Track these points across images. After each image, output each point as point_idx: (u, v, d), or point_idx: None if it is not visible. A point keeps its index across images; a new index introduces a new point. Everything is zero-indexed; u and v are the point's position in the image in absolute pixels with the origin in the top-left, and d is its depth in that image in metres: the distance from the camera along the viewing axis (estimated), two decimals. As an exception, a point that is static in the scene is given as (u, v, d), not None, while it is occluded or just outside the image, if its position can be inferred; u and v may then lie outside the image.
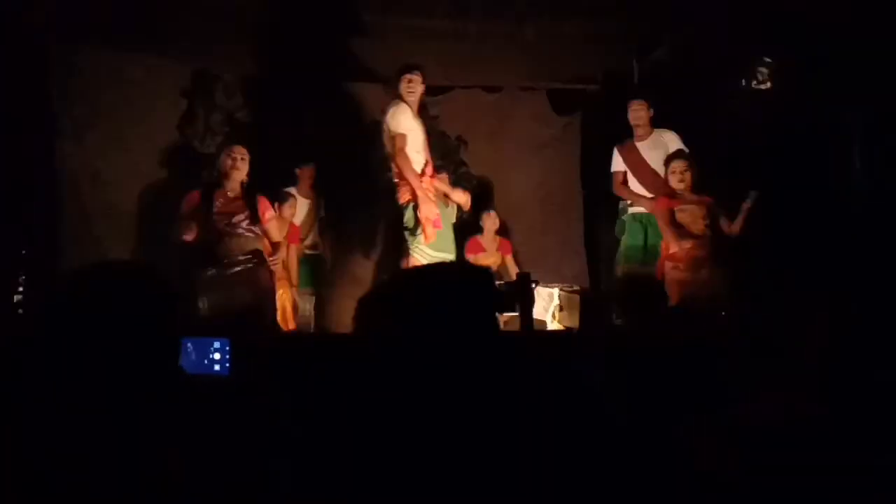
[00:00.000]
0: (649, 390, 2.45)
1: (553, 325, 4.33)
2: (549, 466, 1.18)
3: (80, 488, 1.19)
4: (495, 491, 1.13)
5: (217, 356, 2.40)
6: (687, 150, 5.15)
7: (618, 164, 5.53)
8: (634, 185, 5.43)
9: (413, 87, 4.89)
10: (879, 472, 0.99)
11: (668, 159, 5.04)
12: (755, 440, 1.08)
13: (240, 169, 4.61)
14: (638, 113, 5.37)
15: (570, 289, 4.23)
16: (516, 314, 2.45)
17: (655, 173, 5.31)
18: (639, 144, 5.43)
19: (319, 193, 6.10)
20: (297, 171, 5.99)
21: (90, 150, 5.40)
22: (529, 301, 4.14)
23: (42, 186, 5.12)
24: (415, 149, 4.83)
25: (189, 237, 4.45)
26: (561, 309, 4.09)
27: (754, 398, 1.26)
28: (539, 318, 4.55)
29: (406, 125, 4.79)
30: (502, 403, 1.21)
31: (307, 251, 5.99)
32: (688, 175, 4.83)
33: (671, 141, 5.32)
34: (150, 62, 5.58)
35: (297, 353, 3.00)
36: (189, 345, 2.36)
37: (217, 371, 2.40)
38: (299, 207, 5.92)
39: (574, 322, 3.98)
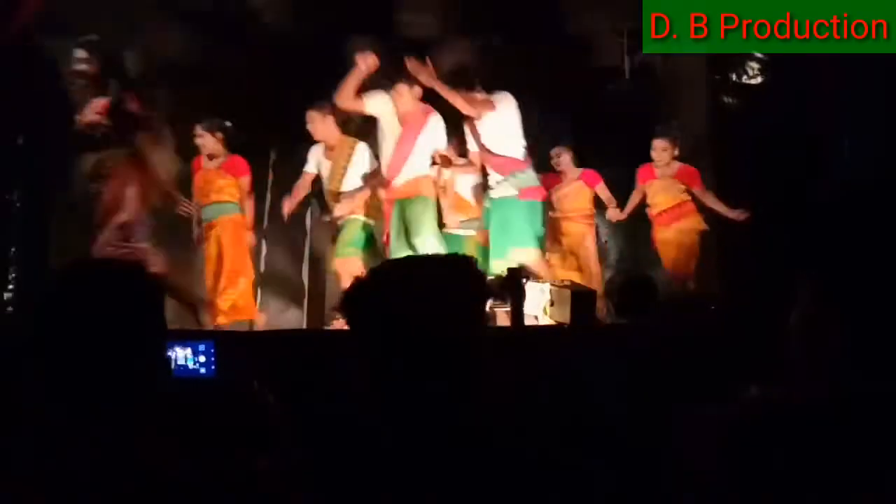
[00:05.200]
0: (641, 384, 2.44)
1: (544, 321, 4.33)
2: (540, 460, 1.17)
3: (71, 490, 1.18)
4: (486, 484, 1.13)
5: (202, 358, 2.38)
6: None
7: None
8: None
9: None
10: (878, 466, 0.99)
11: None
12: (749, 432, 1.07)
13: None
14: None
15: (560, 284, 4.23)
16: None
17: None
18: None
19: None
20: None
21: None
22: (521, 296, 4.17)
23: (32, 183, 5.09)
24: None
25: None
26: (552, 304, 4.08)
27: (746, 390, 1.25)
28: (531, 313, 4.55)
29: None
30: (489, 394, 1.21)
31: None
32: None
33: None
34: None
35: (284, 352, 2.99)
36: (173, 348, 2.33)
37: (203, 374, 2.38)
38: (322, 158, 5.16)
39: (565, 317, 3.98)
